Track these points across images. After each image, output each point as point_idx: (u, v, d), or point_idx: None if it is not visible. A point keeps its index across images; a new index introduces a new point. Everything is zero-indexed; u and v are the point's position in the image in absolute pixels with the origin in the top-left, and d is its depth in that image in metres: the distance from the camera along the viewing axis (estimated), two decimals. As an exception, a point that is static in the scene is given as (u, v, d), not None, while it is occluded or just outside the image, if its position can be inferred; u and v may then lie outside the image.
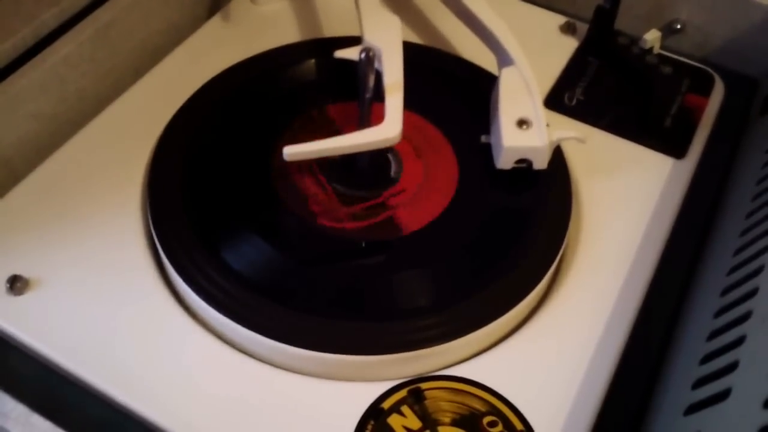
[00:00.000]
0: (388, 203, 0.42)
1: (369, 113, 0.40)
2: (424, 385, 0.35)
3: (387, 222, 0.41)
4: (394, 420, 0.34)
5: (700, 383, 0.33)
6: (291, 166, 0.43)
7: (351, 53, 0.42)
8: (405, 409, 0.34)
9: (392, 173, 0.43)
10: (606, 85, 0.50)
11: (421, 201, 0.42)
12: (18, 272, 0.38)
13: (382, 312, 0.37)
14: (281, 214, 0.41)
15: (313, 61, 0.49)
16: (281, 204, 0.41)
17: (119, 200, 0.41)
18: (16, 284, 0.37)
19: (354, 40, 0.44)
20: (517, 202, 0.43)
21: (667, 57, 0.51)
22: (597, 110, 0.48)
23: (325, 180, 0.42)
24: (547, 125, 0.41)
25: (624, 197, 0.44)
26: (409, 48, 0.42)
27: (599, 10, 0.50)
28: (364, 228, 0.40)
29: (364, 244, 0.40)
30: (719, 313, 0.36)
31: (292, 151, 0.36)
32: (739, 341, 0.32)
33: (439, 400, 0.35)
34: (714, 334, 0.35)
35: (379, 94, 0.40)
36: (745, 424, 0.27)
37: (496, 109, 0.42)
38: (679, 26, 0.54)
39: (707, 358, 0.34)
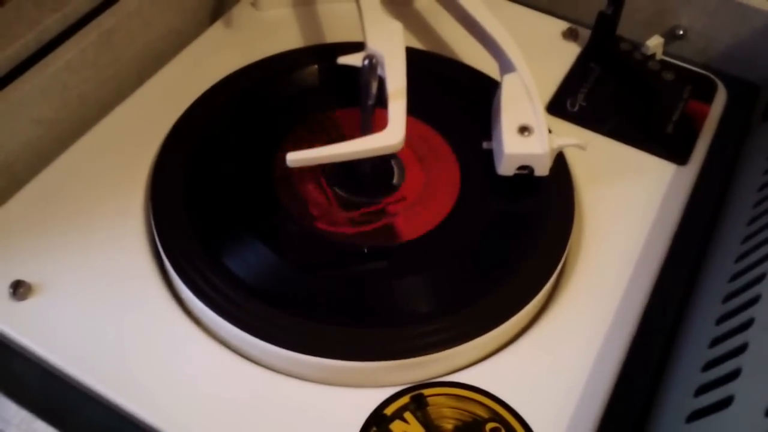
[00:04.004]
0: (388, 210, 0.42)
1: (372, 119, 0.40)
2: (426, 392, 0.35)
3: (385, 229, 0.41)
4: (396, 426, 0.34)
5: (702, 390, 0.33)
6: (294, 172, 0.43)
7: (354, 60, 0.42)
8: (407, 415, 0.34)
9: (395, 180, 0.43)
10: (608, 92, 0.50)
11: (420, 210, 0.42)
12: (21, 278, 0.38)
13: (384, 318, 0.37)
14: (282, 219, 0.41)
15: (315, 67, 0.49)
16: (283, 209, 0.41)
17: (122, 206, 0.42)
18: (19, 290, 0.37)
19: (357, 47, 0.44)
20: (520, 208, 0.43)
21: (670, 63, 0.51)
22: (599, 116, 0.48)
23: (326, 184, 0.42)
24: (549, 132, 0.41)
25: (626, 203, 0.44)
26: (411, 54, 0.42)
27: (601, 16, 0.50)
28: (361, 233, 0.40)
29: (366, 250, 0.40)
30: (721, 320, 0.36)
31: (294, 158, 0.37)
32: (742, 349, 0.32)
33: (441, 406, 0.35)
34: (716, 342, 0.35)
35: (381, 101, 0.40)
36: (748, 432, 0.27)
37: (498, 115, 0.42)
38: (681, 32, 0.54)
39: (709, 366, 0.34)
